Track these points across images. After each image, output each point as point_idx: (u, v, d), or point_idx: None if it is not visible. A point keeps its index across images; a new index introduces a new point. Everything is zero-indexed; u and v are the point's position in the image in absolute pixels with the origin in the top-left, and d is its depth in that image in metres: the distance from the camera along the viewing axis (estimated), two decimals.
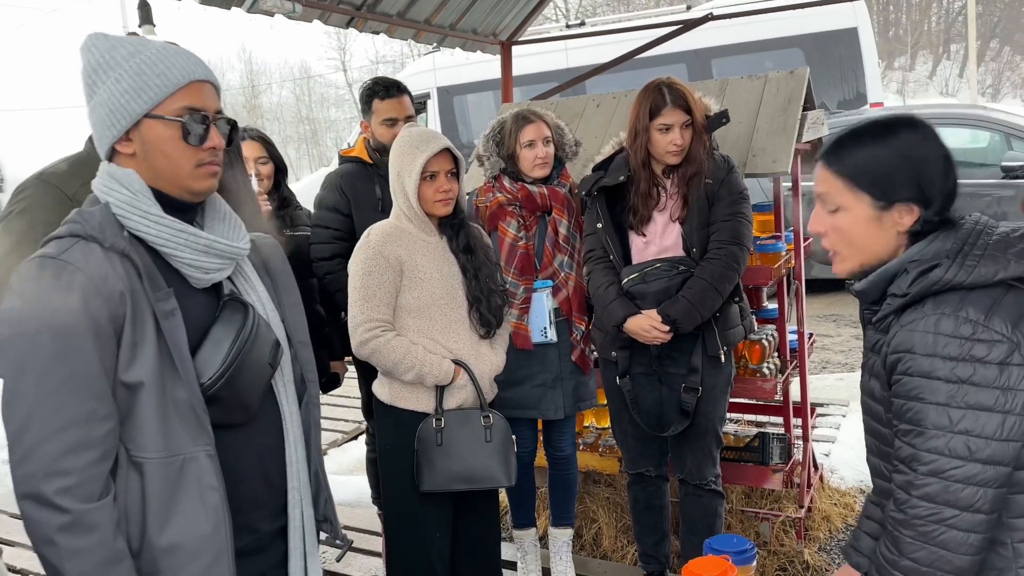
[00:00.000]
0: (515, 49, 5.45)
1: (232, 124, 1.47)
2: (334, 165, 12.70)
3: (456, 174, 2.44)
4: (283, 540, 1.53)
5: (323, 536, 1.65)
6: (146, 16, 3.07)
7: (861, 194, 1.43)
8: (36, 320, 1.27)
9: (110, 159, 1.42)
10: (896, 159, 1.41)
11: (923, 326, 1.35)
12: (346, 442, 5.23)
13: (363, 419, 5.44)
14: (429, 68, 11.70)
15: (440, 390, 2.42)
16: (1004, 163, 7.06)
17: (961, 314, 1.33)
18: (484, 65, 10.45)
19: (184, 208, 1.43)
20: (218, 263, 1.44)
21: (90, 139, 2.15)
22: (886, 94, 13.69)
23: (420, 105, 11.21)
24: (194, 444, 1.35)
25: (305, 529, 1.54)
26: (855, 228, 1.45)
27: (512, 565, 3.22)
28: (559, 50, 10.04)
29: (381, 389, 2.50)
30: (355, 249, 2.46)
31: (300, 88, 38.50)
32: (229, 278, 1.49)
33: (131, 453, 1.33)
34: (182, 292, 1.39)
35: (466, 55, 6.71)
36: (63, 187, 2.02)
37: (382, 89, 3.05)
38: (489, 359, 2.50)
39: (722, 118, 2.72)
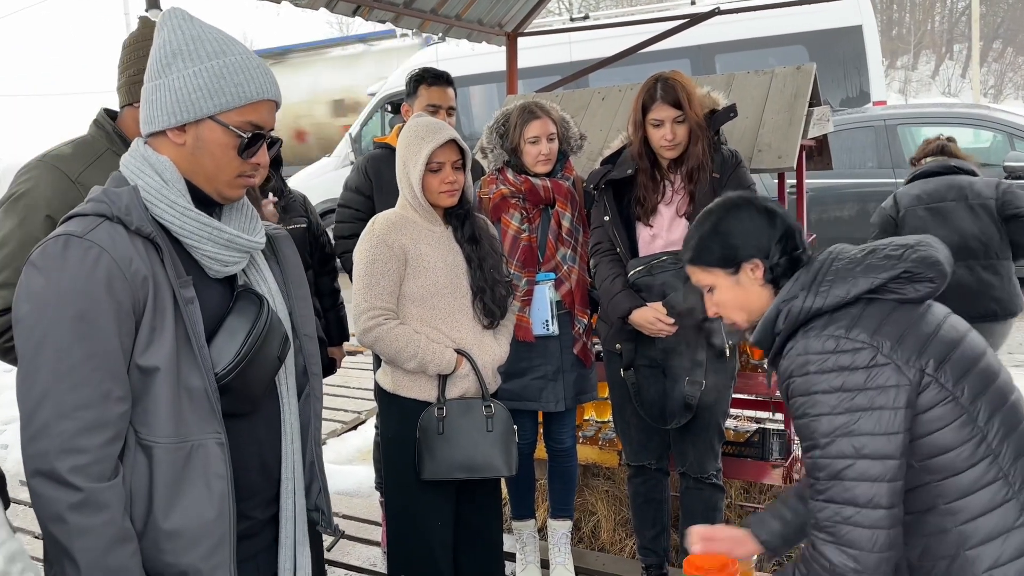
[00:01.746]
0: (519, 41, 5.43)
1: (278, 143, 1.49)
2: (335, 156, 12.53)
3: (463, 165, 2.43)
4: (274, 526, 1.55)
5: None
6: (154, 1, 3.06)
7: (714, 270, 1.71)
8: (59, 298, 1.27)
9: (148, 137, 1.42)
10: (715, 235, 1.70)
11: (796, 350, 1.53)
12: (345, 432, 5.23)
13: (362, 409, 5.49)
14: (432, 59, 11.65)
15: (442, 379, 2.42)
16: (1007, 163, 7.06)
17: (825, 332, 1.50)
18: (487, 57, 10.40)
19: (208, 201, 1.44)
20: (236, 256, 1.45)
21: (95, 122, 2.14)
22: (889, 93, 13.66)
23: None
24: (203, 432, 1.35)
25: (297, 519, 1.55)
26: (727, 296, 1.71)
27: (511, 556, 3.22)
28: (562, 43, 10.00)
29: (384, 377, 2.50)
30: (360, 238, 2.46)
31: None
32: (242, 269, 1.49)
33: (140, 436, 1.33)
34: (197, 281, 1.39)
35: (471, 47, 6.70)
36: (66, 170, 2.01)
37: (431, 77, 3.19)
38: (492, 349, 2.50)
39: (729, 112, 2.71)
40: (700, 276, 1.74)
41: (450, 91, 3.18)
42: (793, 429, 3.43)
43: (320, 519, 1.63)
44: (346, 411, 5.54)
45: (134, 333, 1.31)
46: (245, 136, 1.39)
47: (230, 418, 1.40)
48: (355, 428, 5.28)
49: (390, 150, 3.20)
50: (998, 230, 3.54)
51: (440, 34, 5.01)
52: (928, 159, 3.77)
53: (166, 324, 1.32)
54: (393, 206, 2.53)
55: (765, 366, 3.29)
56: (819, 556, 1.50)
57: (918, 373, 1.46)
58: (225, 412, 1.39)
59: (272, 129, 1.45)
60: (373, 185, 3.18)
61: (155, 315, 1.32)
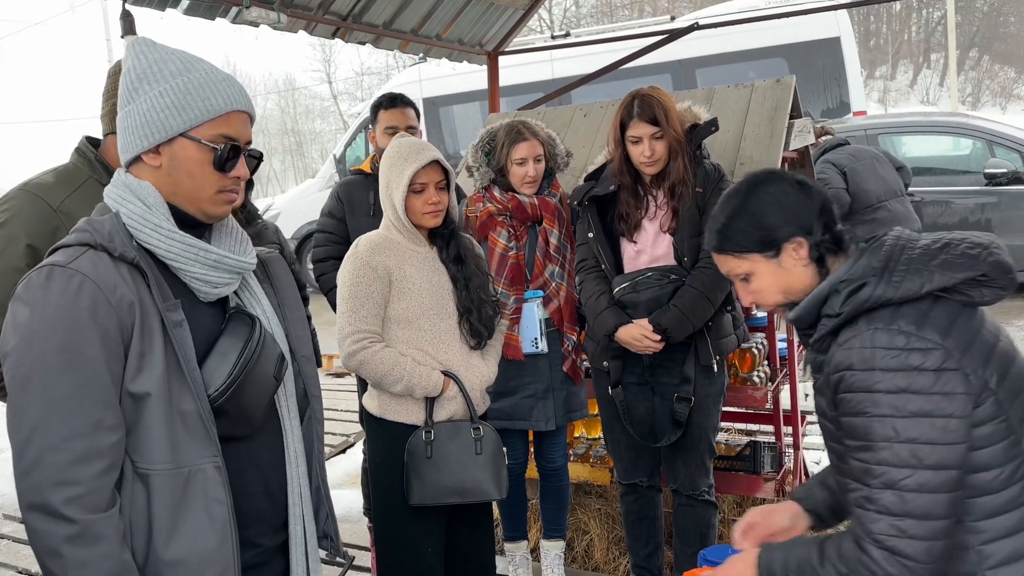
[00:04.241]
0: (500, 60, 5.45)
1: (259, 157, 1.48)
2: (319, 177, 12.56)
3: (447, 185, 2.42)
4: (284, 555, 1.52)
5: (323, 554, 1.63)
6: (129, 27, 3.05)
7: (750, 256, 1.56)
8: (45, 329, 1.26)
9: (129, 166, 1.42)
10: (747, 216, 1.55)
11: (859, 342, 1.41)
12: (333, 456, 5.18)
13: (350, 432, 5.45)
14: (415, 79, 11.70)
15: (430, 402, 2.39)
16: (987, 170, 7.15)
17: (894, 327, 1.39)
18: (470, 76, 10.45)
19: (195, 224, 1.43)
20: (226, 277, 1.43)
21: (76, 151, 2.12)
22: (868, 103, 13.81)
23: None
24: (200, 456, 1.34)
25: (308, 546, 1.53)
26: (766, 282, 1.57)
27: None
28: (544, 61, 10.07)
29: (371, 401, 2.48)
30: (344, 260, 2.44)
31: (285, 100, 38.36)
32: (235, 292, 1.48)
33: (137, 465, 1.31)
34: (188, 305, 1.38)
35: (452, 66, 6.73)
36: (48, 198, 2.00)
37: (387, 100, 3.31)
38: (480, 370, 2.48)
39: (711, 126, 2.72)
40: (732, 264, 1.59)
41: (409, 111, 3.27)
42: (796, 438, 3.43)
43: (328, 546, 1.61)
44: (334, 434, 5.49)
45: (123, 360, 1.30)
46: (219, 148, 1.38)
47: (229, 442, 1.38)
48: (343, 452, 5.24)
49: (363, 176, 3.34)
50: (896, 176, 5.20)
51: (421, 54, 5.02)
52: (824, 137, 5.38)
53: (155, 348, 1.31)
54: (365, 226, 2.53)
55: (754, 379, 3.28)
56: (869, 562, 1.39)
57: (981, 385, 1.37)
58: (223, 436, 1.37)
59: (249, 142, 1.44)
60: (345, 209, 3.27)
61: (143, 340, 1.31)
